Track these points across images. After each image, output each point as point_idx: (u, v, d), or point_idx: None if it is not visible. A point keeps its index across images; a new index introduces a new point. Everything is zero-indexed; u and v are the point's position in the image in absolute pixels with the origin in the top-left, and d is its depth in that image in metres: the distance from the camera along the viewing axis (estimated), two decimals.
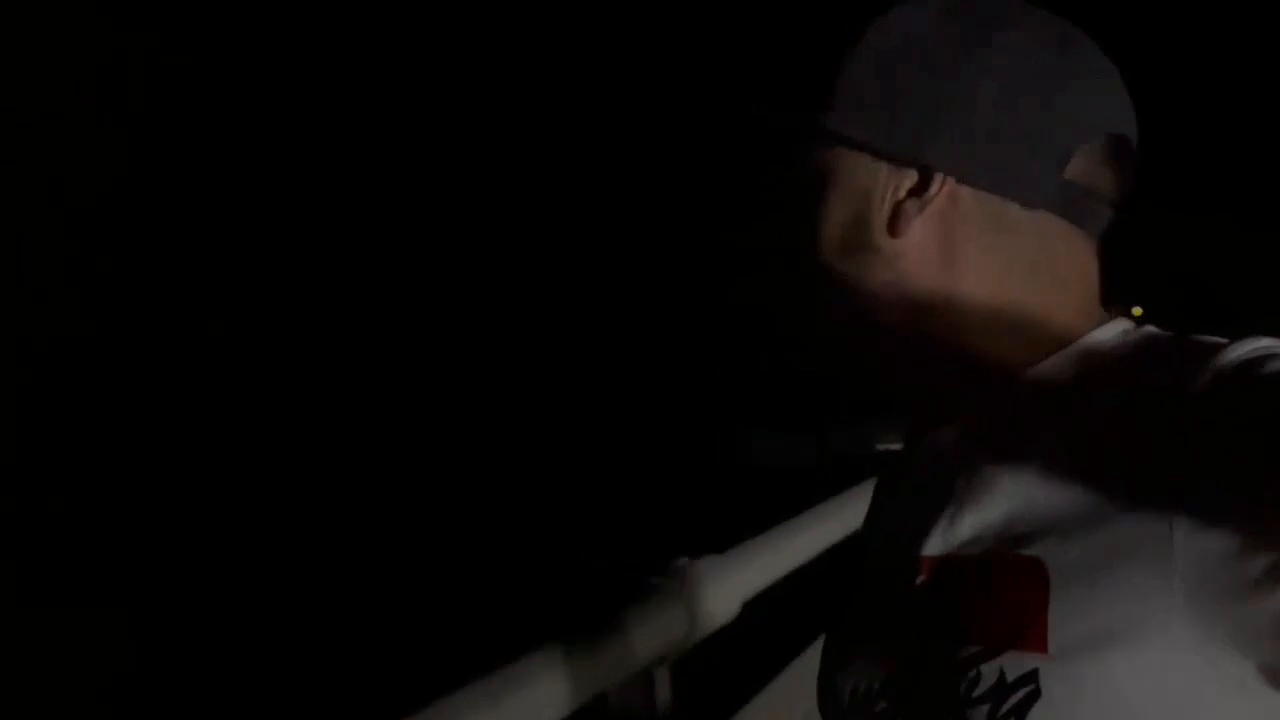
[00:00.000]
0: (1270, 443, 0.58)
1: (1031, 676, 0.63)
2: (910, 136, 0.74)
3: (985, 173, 0.73)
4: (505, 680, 1.29)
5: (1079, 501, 0.65)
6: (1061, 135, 0.73)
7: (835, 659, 0.79)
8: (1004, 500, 0.68)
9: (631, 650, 1.48)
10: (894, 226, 0.73)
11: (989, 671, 0.65)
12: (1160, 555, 0.60)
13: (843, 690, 0.76)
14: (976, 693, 0.65)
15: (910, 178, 0.74)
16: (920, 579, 0.71)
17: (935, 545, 0.71)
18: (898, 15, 0.76)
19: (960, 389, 0.74)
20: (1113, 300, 0.78)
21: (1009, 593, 0.65)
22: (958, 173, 0.73)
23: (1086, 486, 0.65)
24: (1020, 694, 0.63)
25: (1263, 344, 0.64)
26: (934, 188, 0.73)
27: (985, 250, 0.74)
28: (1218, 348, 0.65)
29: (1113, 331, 0.72)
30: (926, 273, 0.74)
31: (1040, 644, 0.63)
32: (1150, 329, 0.72)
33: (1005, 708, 0.63)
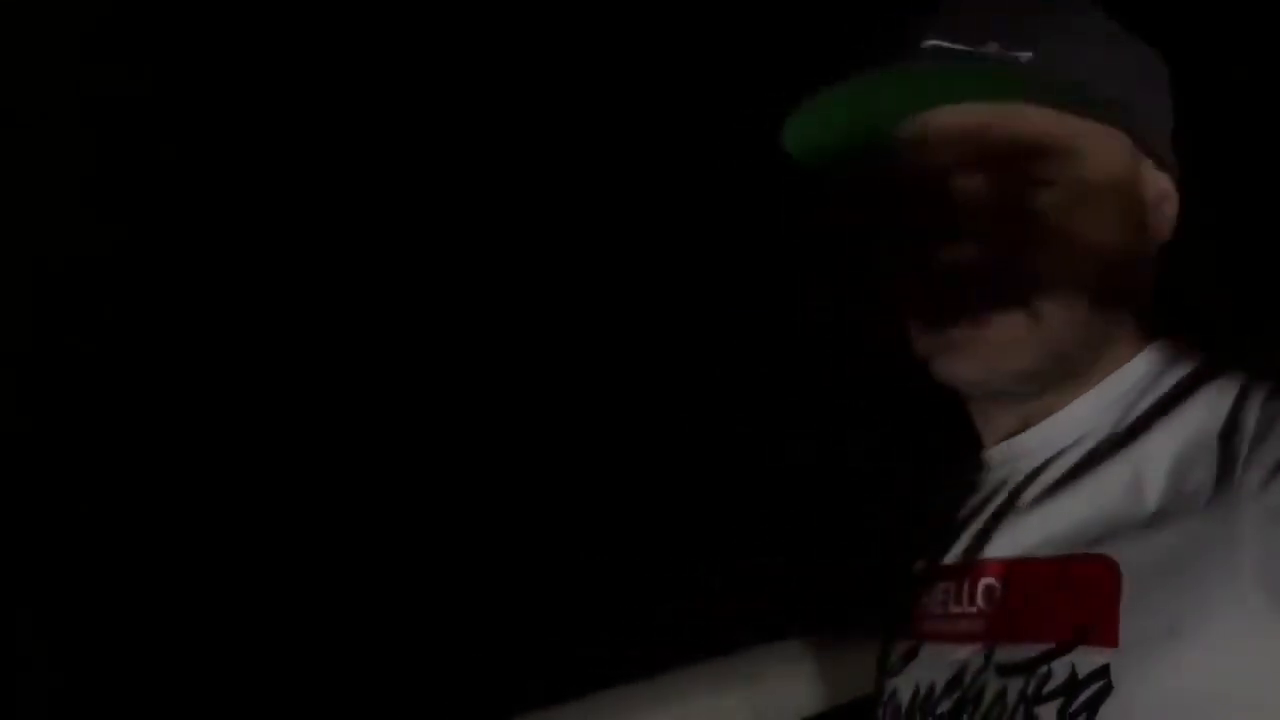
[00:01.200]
0: None
1: (1103, 672, 0.63)
2: (1151, 129, 0.73)
3: (1173, 170, 0.76)
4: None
5: (1148, 501, 0.65)
6: (1167, 132, 0.77)
7: (893, 663, 0.79)
8: (1072, 503, 0.69)
9: None
10: (1161, 229, 0.73)
11: (1060, 668, 0.65)
12: (1228, 549, 0.61)
13: (902, 693, 0.76)
14: (1047, 689, 0.65)
15: (1151, 170, 0.73)
16: (987, 581, 0.72)
17: (1004, 548, 0.72)
18: (1124, 35, 0.75)
19: (1030, 408, 0.74)
20: None
21: (1081, 591, 0.65)
22: (1171, 169, 0.75)
23: (1155, 487, 0.66)
24: (1092, 689, 0.63)
25: None
26: (1167, 181, 0.74)
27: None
28: (1270, 351, 0.66)
29: (1160, 351, 0.73)
30: (1145, 275, 0.74)
31: (1111, 639, 0.63)
32: (1194, 342, 0.73)
33: (1077, 703, 0.64)
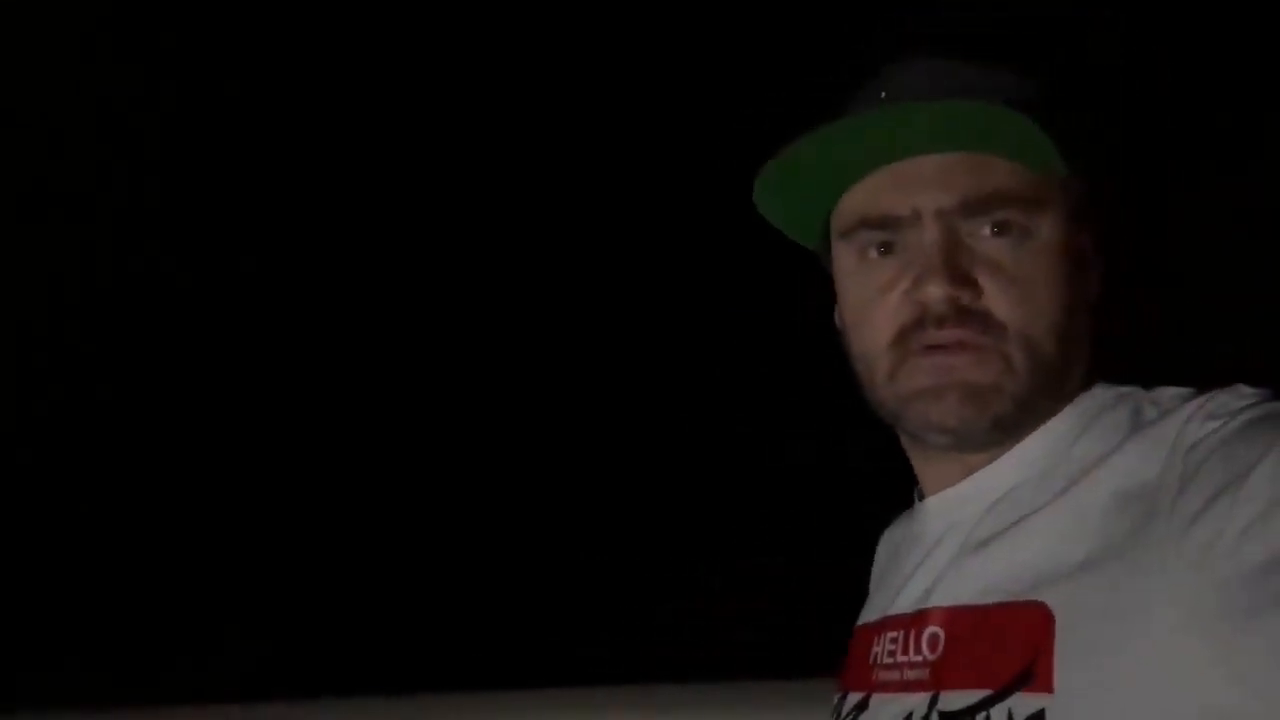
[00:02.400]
0: (1256, 489, 0.59)
1: (1039, 717, 0.64)
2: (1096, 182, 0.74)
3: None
4: None
5: (1080, 549, 0.66)
6: None
7: (850, 709, 0.80)
8: (1008, 550, 0.70)
9: None
10: (1094, 282, 0.74)
11: (997, 714, 0.66)
12: (1153, 598, 0.62)
13: None
14: None
15: (1084, 232, 0.74)
16: (931, 630, 0.73)
17: (946, 597, 0.73)
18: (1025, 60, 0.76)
19: (953, 462, 0.75)
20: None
21: (1016, 637, 0.67)
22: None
23: (1086, 534, 0.67)
24: None
25: (1248, 392, 0.66)
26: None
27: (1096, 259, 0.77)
28: (1200, 400, 0.66)
29: (1094, 399, 0.73)
30: (1090, 323, 0.75)
31: (1046, 685, 0.64)
32: (1125, 390, 0.73)
33: None
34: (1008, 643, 0.68)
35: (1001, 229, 0.67)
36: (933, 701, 0.71)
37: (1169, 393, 0.71)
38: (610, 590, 2.66)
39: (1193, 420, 0.66)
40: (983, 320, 0.68)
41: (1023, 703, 0.66)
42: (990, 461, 0.75)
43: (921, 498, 0.80)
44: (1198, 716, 0.62)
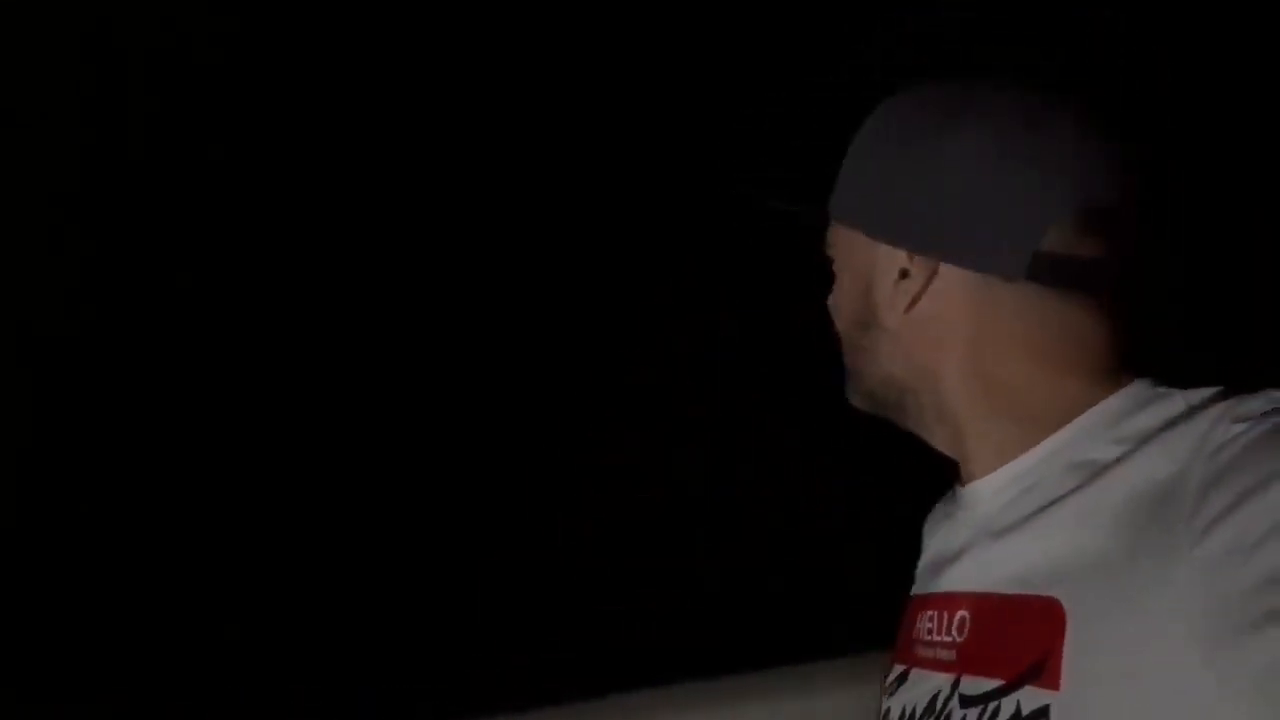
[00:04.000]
0: (1276, 495, 0.59)
1: (1043, 712, 0.65)
2: (894, 220, 0.79)
3: (963, 252, 0.78)
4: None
5: (1098, 547, 0.67)
6: (1030, 212, 0.76)
7: (893, 680, 0.83)
8: (1030, 543, 0.71)
9: None
10: (892, 305, 0.79)
11: (1007, 705, 0.67)
12: (1167, 603, 0.62)
13: (893, 714, 0.80)
14: None
15: (901, 258, 0.79)
16: (961, 613, 0.75)
17: (974, 582, 0.75)
18: (890, 103, 0.83)
19: (981, 453, 0.78)
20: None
21: (1030, 631, 0.68)
22: (937, 253, 0.78)
23: (1104, 533, 0.67)
24: None
25: (1275, 397, 0.66)
26: (917, 268, 0.78)
27: (974, 327, 0.78)
28: (1229, 403, 0.67)
29: (1128, 397, 0.74)
30: (923, 349, 0.79)
31: (1054, 681, 0.65)
32: (1162, 390, 0.74)
33: None
34: (1022, 635, 0.70)
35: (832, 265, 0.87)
36: (955, 683, 0.74)
37: (1200, 394, 0.72)
38: (608, 603, 2.67)
39: (1219, 424, 0.67)
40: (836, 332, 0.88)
41: (1030, 697, 0.67)
42: (1020, 451, 0.77)
43: (961, 482, 0.83)
44: None
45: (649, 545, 3.02)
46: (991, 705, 0.70)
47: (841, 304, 0.86)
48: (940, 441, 0.84)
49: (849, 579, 2.83)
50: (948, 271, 0.80)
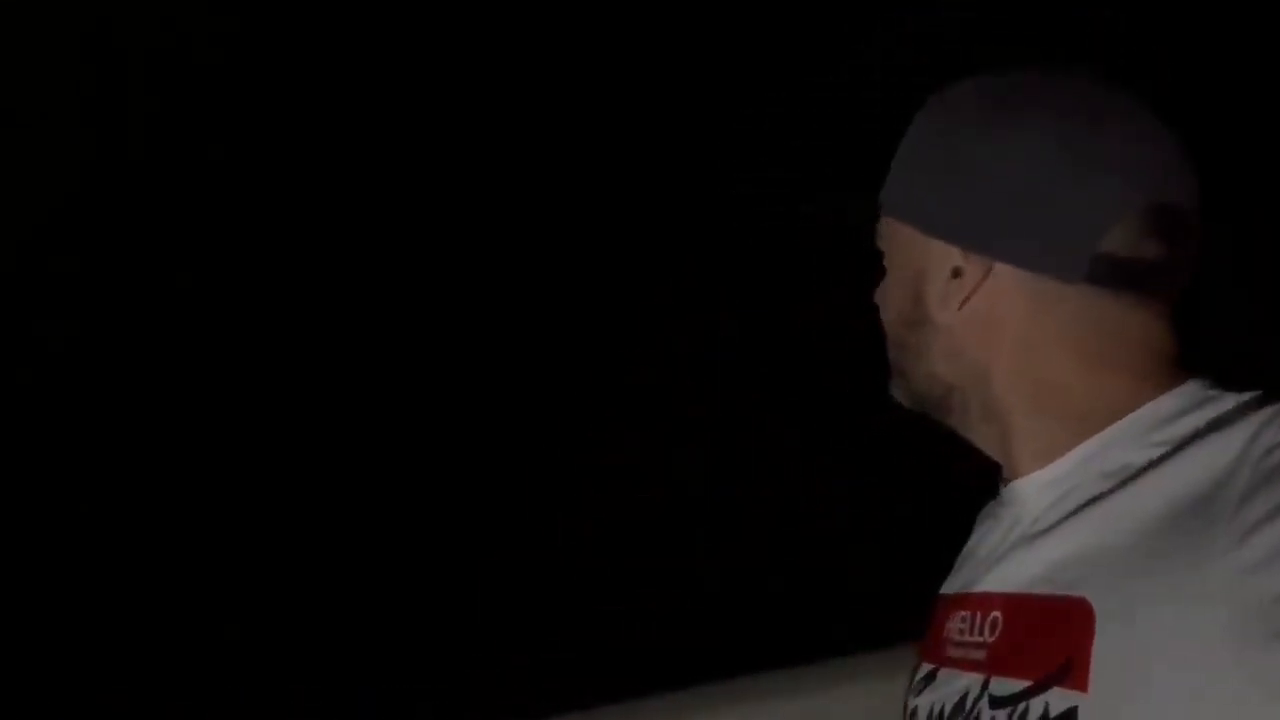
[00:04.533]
0: None
1: (1071, 714, 0.65)
2: (949, 217, 0.77)
3: (1019, 252, 0.76)
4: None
5: (1134, 549, 0.66)
6: (1093, 213, 0.74)
7: (921, 679, 0.82)
8: (1065, 544, 0.71)
9: None
10: (944, 303, 0.76)
11: (1036, 706, 0.67)
12: (1200, 607, 0.61)
13: (920, 713, 0.79)
14: None
15: (955, 256, 0.77)
16: (994, 614, 0.74)
17: (1007, 583, 0.75)
18: (945, 98, 0.80)
19: (1024, 453, 0.77)
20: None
21: (1059, 632, 0.67)
22: (994, 252, 0.76)
23: (1140, 534, 0.67)
24: None
25: None
26: (973, 266, 0.76)
27: (1027, 326, 0.76)
28: (1277, 407, 0.66)
29: (1176, 399, 0.73)
30: (974, 348, 0.77)
31: (1082, 683, 0.65)
32: (1214, 393, 0.73)
33: None
34: (1052, 636, 0.69)
35: (883, 259, 0.87)
36: (985, 684, 0.73)
37: (1251, 397, 0.71)
38: (626, 605, 2.67)
39: (1267, 429, 0.66)
40: (884, 329, 0.87)
41: (1059, 698, 0.66)
42: (1061, 453, 0.76)
43: (1004, 481, 0.82)
44: None
45: (649, 545, 3.01)
46: (1020, 706, 0.69)
47: (891, 300, 0.84)
48: (986, 440, 0.82)
49: (849, 579, 2.83)
50: (1003, 270, 0.78)
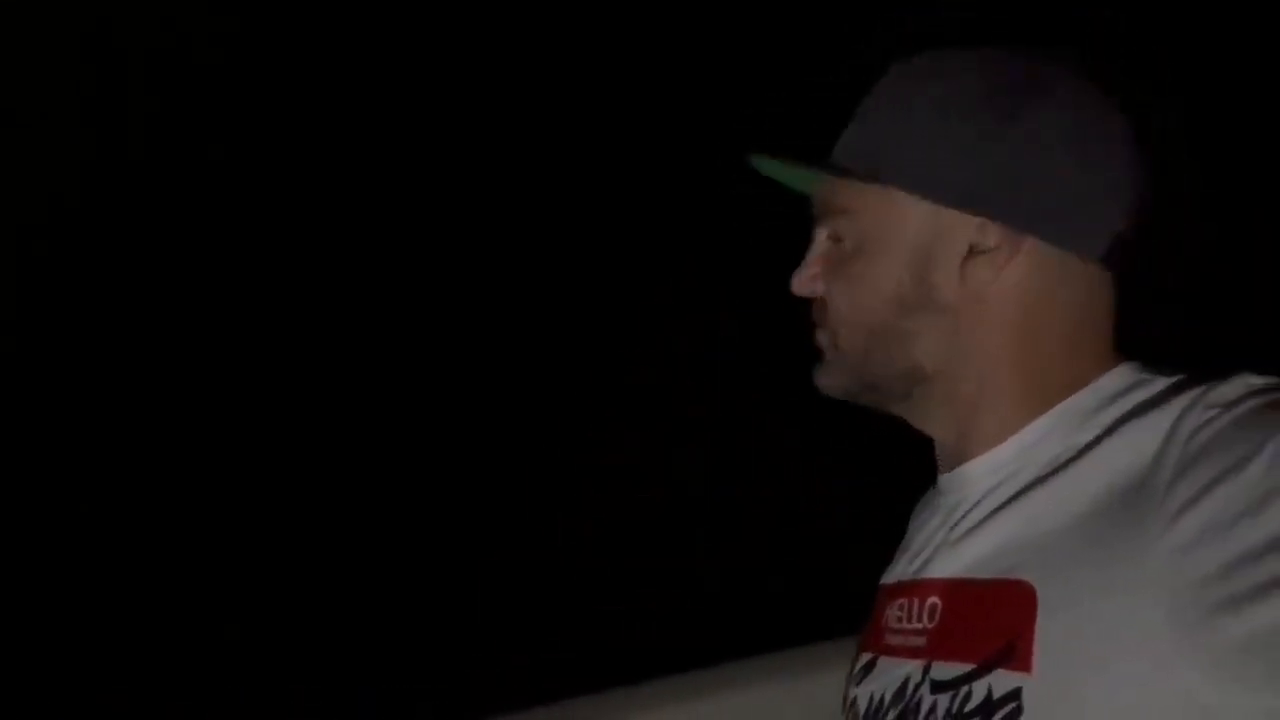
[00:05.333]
0: (1248, 480, 0.60)
1: (1015, 694, 0.65)
2: (973, 186, 0.74)
3: (1049, 225, 0.74)
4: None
5: (1071, 532, 0.67)
6: (1111, 192, 0.74)
7: (860, 669, 0.82)
8: (1003, 529, 0.71)
9: None
10: (963, 281, 0.74)
11: (979, 689, 0.67)
12: (1138, 588, 0.62)
13: (860, 702, 0.79)
14: (968, 708, 0.67)
15: (971, 228, 0.74)
16: (932, 600, 0.74)
17: (945, 569, 0.75)
18: (942, 69, 0.77)
19: (977, 437, 0.76)
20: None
21: (1001, 615, 0.68)
22: (1022, 223, 0.74)
23: (1078, 517, 0.67)
24: (1005, 710, 0.66)
25: (1251, 382, 0.66)
26: (998, 240, 0.74)
27: (1037, 306, 0.75)
28: (1203, 389, 0.67)
29: (1114, 379, 0.74)
30: (973, 330, 0.75)
31: (1025, 664, 0.65)
32: (1146, 375, 0.73)
33: None
34: (993, 619, 0.69)
35: (831, 235, 0.80)
36: (926, 670, 0.73)
37: (1178, 379, 0.71)
38: (602, 597, 2.66)
39: (1192, 410, 0.66)
40: (823, 309, 0.81)
41: (1002, 679, 0.67)
42: (997, 441, 0.76)
43: (945, 469, 0.81)
44: (1178, 708, 0.62)
45: (649, 545, 3.02)
46: (963, 690, 0.70)
47: (871, 282, 0.77)
48: (940, 425, 0.80)
49: (849, 579, 2.83)
50: (1031, 246, 0.76)
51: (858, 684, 0.83)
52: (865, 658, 0.84)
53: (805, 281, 0.81)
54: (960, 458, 0.78)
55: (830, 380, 0.82)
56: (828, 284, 0.80)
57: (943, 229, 0.76)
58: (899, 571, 0.84)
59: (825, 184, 0.80)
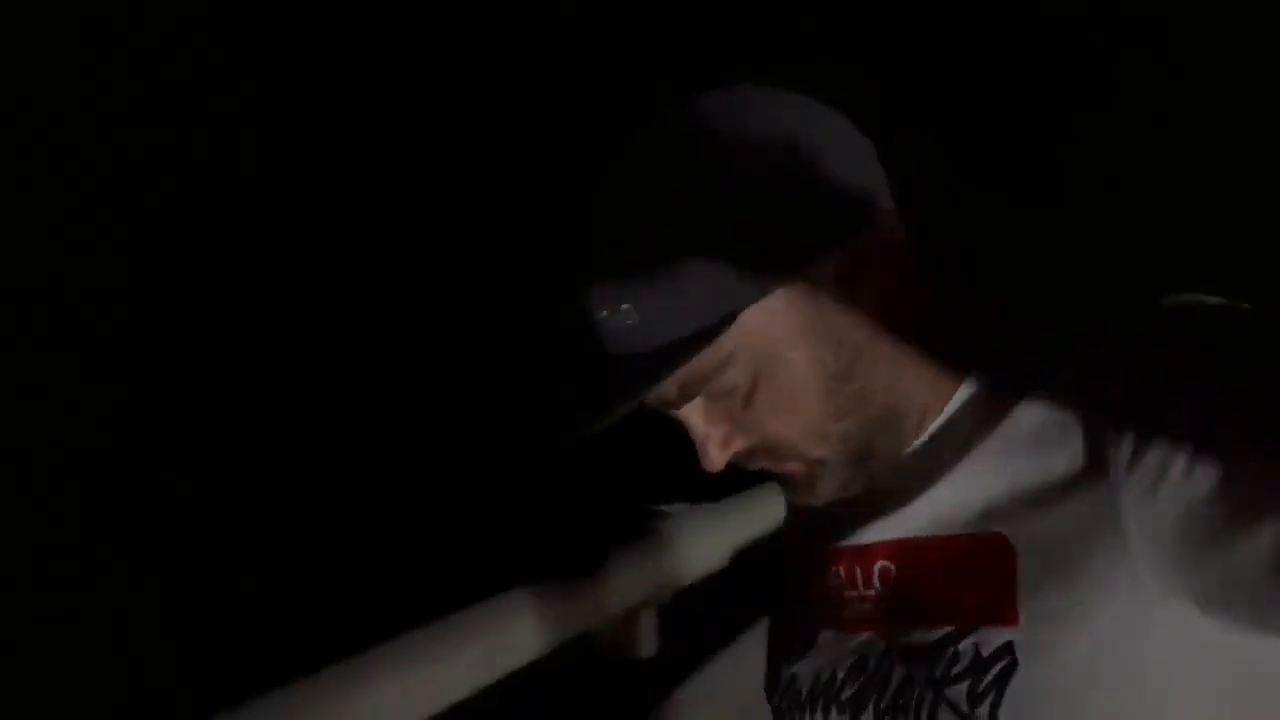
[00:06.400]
0: (1206, 411, 0.60)
1: (1007, 649, 0.64)
2: (794, 250, 0.69)
3: (847, 231, 0.69)
4: (483, 614, 1.26)
5: (1036, 479, 0.66)
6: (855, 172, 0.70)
7: (786, 649, 0.79)
8: (954, 489, 0.69)
9: (615, 592, 1.47)
10: (855, 308, 0.69)
11: (965, 649, 0.66)
12: (1113, 530, 0.62)
13: (802, 680, 0.76)
14: (955, 671, 0.66)
15: (827, 271, 0.70)
16: (882, 564, 0.72)
17: (892, 530, 0.72)
18: (688, 159, 0.70)
19: (909, 430, 0.73)
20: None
21: (976, 571, 0.66)
22: (838, 239, 0.68)
23: (1042, 465, 0.66)
24: (998, 667, 0.65)
25: (1192, 300, 0.66)
26: (839, 264, 0.69)
27: (886, 304, 0.72)
28: (1138, 320, 0.66)
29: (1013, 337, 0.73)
30: (895, 326, 0.71)
31: (1012, 618, 0.64)
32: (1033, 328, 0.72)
33: (985, 682, 0.65)
34: (967, 576, 0.68)
35: (716, 393, 0.71)
36: (889, 637, 0.71)
37: (1067, 331, 0.70)
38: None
39: (1091, 359, 0.66)
40: (762, 449, 0.72)
41: (989, 636, 0.65)
42: (942, 408, 0.74)
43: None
44: (1169, 644, 0.62)
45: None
46: (947, 652, 0.68)
47: (802, 393, 0.70)
48: (892, 445, 0.76)
49: None
50: (866, 248, 0.70)
51: (796, 661, 0.78)
52: (802, 631, 0.78)
53: (721, 452, 0.72)
54: (903, 444, 0.75)
55: (830, 487, 0.73)
56: (749, 431, 0.72)
57: (806, 294, 0.69)
58: (826, 538, 0.77)
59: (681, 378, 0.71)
